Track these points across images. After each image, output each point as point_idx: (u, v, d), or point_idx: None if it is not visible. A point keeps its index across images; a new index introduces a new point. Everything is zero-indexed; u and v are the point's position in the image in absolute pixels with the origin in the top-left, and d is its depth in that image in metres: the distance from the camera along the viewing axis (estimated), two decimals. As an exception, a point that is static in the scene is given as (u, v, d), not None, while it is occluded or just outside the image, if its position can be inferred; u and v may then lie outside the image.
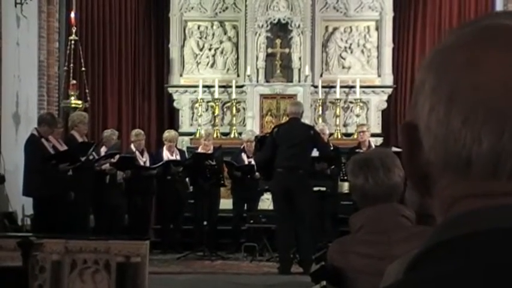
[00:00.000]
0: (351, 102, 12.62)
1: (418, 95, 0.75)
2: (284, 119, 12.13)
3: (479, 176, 0.70)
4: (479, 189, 0.71)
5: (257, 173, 10.32)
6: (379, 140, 12.01)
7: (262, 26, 12.40)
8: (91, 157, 9.45)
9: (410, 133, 0.76)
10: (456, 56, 0.73)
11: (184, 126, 12.71)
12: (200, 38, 12.89)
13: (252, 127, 11.93)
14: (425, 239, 0.72)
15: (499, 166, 0.70)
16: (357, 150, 10.09)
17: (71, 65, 11.41)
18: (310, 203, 8.81)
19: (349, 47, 12.77)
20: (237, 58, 12.82)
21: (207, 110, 12.71)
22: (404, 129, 0.77)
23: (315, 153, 9.13)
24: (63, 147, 9.13)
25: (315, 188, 9.32)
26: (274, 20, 12.48)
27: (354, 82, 12.38)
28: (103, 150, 10.01)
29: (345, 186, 11.10)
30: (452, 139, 0.71)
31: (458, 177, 0.72)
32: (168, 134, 11.00)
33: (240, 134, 11.99)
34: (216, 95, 12.43)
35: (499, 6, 12.34)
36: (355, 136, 11.59)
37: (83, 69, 11.54)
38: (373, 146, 10.51)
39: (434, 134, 0.72)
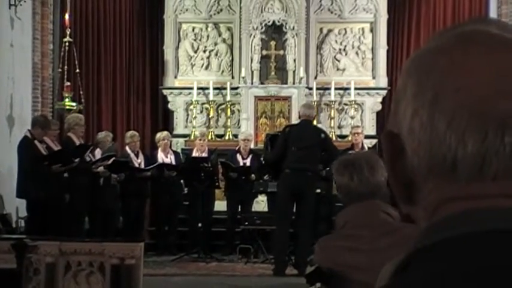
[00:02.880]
0: (345, 104, 12.63)
1: (400, 100, 0.76)
2: (278, 121, 12.16)
3: (465, 178, 0.71)
4: (464, 192, 0.71)
5: (253, 175, 10.32)
6: (374, 142, 12.01)
7: (257, 28, 12.40)
8: (88, 159, 9.44)
9: (392, 140, 0.76)
10: (437, 60, 0.74)
11: (179, 128, 12.70)
12: (195, 40, 12.89)
13: (247, 129, 11.93)
14: (412, 242, 0.72)
15: (484, 167, 0.70)
16: (350, 152, 10.09)
17: (65, 66, 11.39)
18: (315, 206, 8.84)
19: (344, 49, 12.79)
20: (232, 60, 12.82)
21: (201, 112, 12.71)
22: (386, 137, 0.77)
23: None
24: (58, 149, 9.12)
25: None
26: (269, 22, 12.49)
27: (349, 84, 12.39)
28: (98, 152, 9.99)
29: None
30: (436, 142, 0.71)
31: (443, 181, 0.72)
32: (161, 134, 11.02)
33: (235, 136, 11.99)
34: (211, 97, 12.44)
35: (492, 8, 12.38)
36: (350, 138, 11.60)
37: (77, 71, 11.52)
38: (366, 148, 10.53)
39: (418, 138, 0.73)
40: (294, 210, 8.77)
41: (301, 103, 11.83)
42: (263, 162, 10.01)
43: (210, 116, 12.57)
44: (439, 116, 0.71)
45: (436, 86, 0.72)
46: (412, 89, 0.74)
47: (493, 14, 12.18)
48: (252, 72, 12.42)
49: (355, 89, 12.35)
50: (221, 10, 12.89)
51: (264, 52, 12.50)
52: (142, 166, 10.50)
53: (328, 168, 9.85)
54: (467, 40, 0.74)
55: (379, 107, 12.69)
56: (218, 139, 12.32)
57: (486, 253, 0.66)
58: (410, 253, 0.70)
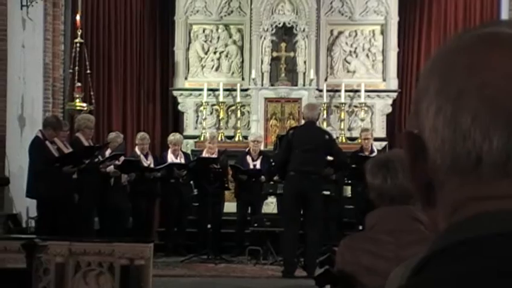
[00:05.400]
0: (355, 107, 12.61)
1: (421, 100, 0.75)
2: (288, 123, 12.15)
3: (489, 175, 0.70)
4: (485, 192, 0.70)
5: (262, 177, 10.32)
6: (384, 145, 12.00)
7: (267, 29, 12.40)
8: (96, 159, 9.46)
9: (413, 140, 0.75)
10: (460, 58, 0.73)
11: (189, 129, 12.71)
12: (205, 41, 12.90)
13: (257, 131, 11.93)
14: (430, 244, 0.71)
15: (509, 164, 0.69)
16: (360, 154, 10.09)
17: (76, 67, 11.41)
18: (322, 208, 8.82)
19: (354, 51, 12.76)
20: (242, 61, 12.83)
21: (211, 113, 12.72)
22: (406, 137, 0.76)
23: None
24: (68, 150, 9.15)
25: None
26: (279, 23, 12.49)
27: (359, 86, 12.37)
28: (108, 152, 10.02)
29: (350, 191, 11.10)
30: (461, 138, 0.71)
31: (465, 180, 0.71)
32: (173, 137, 10.99)
33: (244, 137, 12.00)
34: (221, 99, 12.44)
35: (504, 10, 12.33)
36: (360, 140, 11.58)
37: (88, 71, 11.54)
38: (375, 151, 10.50)
39: (442, 135, 0.72)
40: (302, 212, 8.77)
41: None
42: (273, 163, 10.01)
43: (220, 118, 12.58)
44: (464, 112, 0.71)
45: (460, 82, 0.72)
46: (435, 87, 0.74)
47: (504, 16, 12.13)
48: (262, 73, 12.42)
49: (366, 91, 12.33)
50: (232, 12, 12.89)
51: (274, 54, 12.50)
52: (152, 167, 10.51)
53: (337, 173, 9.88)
54: (489, 40, 0.74)
55: (390, 110, 12.66)
56: (228, 140, 12.33)
57: (508, 255, 0.66)
58: (428, 255, 0.70)
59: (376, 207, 2.69)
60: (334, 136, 11.04)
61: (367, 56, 12.74)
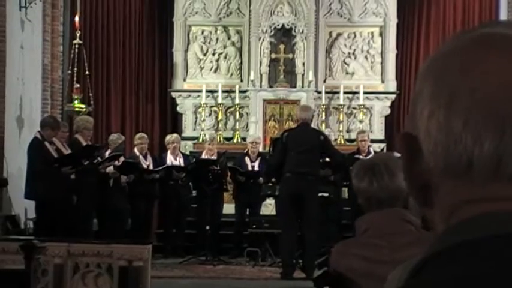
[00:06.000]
0: (354, 108, 12.62)
1: (416, 103, 0.75)
2: (287, 124, 12.15)
3: (480, 178, 0.70)
4: (480, 195, 0.71)
5: (261, 178, 10.33)
6: (382, 146, 12.00)
7: (266, 31, 12.41)
8: (95, 160, 9.46)
9: (409, 142, 0.76)
10: (453, 61, 0.73)
11: (188, 131, 12.72)
12: (204, 42, 12.91)
13: (255, 132, 11.93)
14: (428, 246, 0.72)
15: (500, 168, 0.70)
16: (356, 156, 10.08)
17: (75, 68, 11.41)
18: (319, 209, 8.83)
19: (353, 53, 12.77)
20: (241, 63, 12.83)
21: (210, 114, 12.72)
22: (403, 139, 0.77)
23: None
24: (67, 151, 9.15)
25: (319, 194, 9.32)
26: (278, 25, 12.49)
27: (358, 88, 12.37)
28: (107, 153, 10.02)
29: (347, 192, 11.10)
30: (452, 142, 0.71)
31: (459, 183, 0.72)
32: (170, 136, 11.02)
33: (243, 139, 12.01)
34: (220, 100, 12.45)
35: (503, 12, 12.35)
36: (357, 142, 11.58)
37: (87, 73, 11.55)
38: (372, 152, 10.50)
39: (435, 138, 0.72)
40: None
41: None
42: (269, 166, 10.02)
43: (219, 119, 12.58)
44: (456, 116, 0.71)
45: (452, 85, 0.72)
46: (428, 90, 0.74)
47: (503, 18, 12.14)
48: (261, 75, 12.42)
49: (364, 93, 12.33)
50: (230, 13, 12.90)
51: (273, 55, 12.51)
52: (151, 168, 10.51)
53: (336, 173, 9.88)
54: (483, 42, 0.73)
55: (388, 111, 12.67)
56: (226, 142, 12.33)
57: (505, 256, 0.66)
58: (425, 257, 0.70)
59: (365, 212, 2.69)
60: (333, 138, 11.07)
61: (366, 57, 12.75)
